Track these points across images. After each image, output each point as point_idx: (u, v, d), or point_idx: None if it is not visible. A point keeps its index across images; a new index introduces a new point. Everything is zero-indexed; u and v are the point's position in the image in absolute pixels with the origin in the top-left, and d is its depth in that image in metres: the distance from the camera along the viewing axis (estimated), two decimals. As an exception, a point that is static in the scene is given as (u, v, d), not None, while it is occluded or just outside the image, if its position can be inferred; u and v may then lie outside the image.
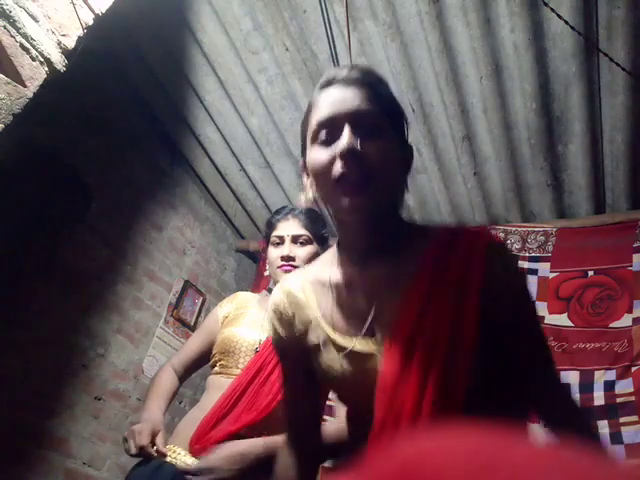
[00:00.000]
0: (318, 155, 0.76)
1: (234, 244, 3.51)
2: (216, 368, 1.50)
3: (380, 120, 0.77)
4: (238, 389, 1.37)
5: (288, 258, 1.51)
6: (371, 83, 0.81)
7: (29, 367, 2.15)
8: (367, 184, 0.72)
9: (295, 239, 1.55)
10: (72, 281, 2.36)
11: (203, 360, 1.62)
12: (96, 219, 2.49)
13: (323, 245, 1.59)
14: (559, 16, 1.85)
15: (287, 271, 1.50)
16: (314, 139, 0.78)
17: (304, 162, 0.83)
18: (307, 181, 0.84)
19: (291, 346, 0.86)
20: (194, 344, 1.63)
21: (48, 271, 2.26)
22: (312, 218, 1.59)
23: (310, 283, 0.86)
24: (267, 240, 1.60)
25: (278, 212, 1.64)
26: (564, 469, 0.23)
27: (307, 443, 0.92)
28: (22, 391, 2.12)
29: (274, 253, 1.55)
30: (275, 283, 1.54)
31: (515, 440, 0.24)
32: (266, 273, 1.62)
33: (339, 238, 0.84)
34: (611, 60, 1.89)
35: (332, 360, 0.78)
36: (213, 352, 1.54)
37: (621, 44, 1.96)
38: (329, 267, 0.84)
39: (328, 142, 0.76)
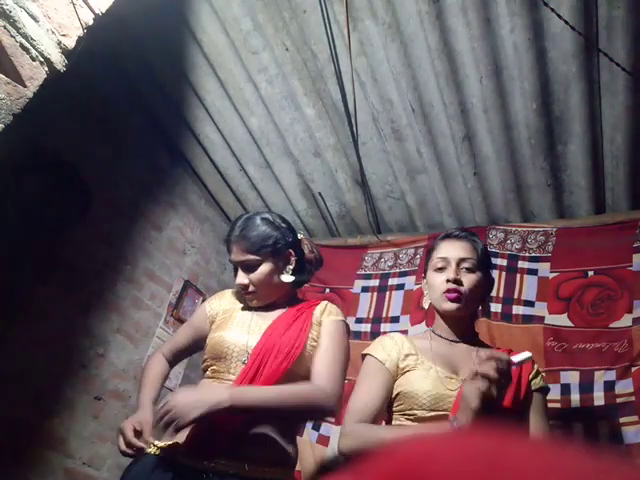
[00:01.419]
0: (435, 277, 1.37)
1: (234, 244, 3.50)
2: (208, 373, 1.48)
3: (473, 263, 1.36)
4: None
5: (244, 287, 1.49)
6: (472, 240, 1.41)
7: (29, 367, 2.15)
8: (461, 298, 1.31)
9: (244, 266, 1.49)
10: (72, 281, 2.36)
11: (190, 351, 1.66)
12: (96, 219, 2.49)
13: (284, 252, 1.51)
14: (559, 16, 1.85)
15: (250, 299, 1.52)
16: (433, 267, 1.39)
17: (425, 277, 1.45)
18: (426, 288, 1.43)
19: (387, 368, 1.32)
20: (183, 335, 1.66)
21: (48, 271, 2.26)
22: (258, 234, 1.49)
23: (416, 342, 1.40)
24: None
25: (229, 231, 1.56)
26: (566, 470, 0.23)
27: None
28: (22, 391, 2.12)
29: (235, 277, 1.54)
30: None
31: (517, 441, 0.24)
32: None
33: (436, 326, 1.42)
34: (611, 60, 1.89)
35: (425, 379, 1.25)
36: (204, 357, 1.53)
37: (621, 44, 1.96)
38: (428, 340, 1.38)
39: (441, 270, 1.36)
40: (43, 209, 2.23)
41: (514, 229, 2.71)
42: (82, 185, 2.42)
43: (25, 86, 1.16)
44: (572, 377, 2.22)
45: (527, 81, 2.18)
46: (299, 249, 1.59)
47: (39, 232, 2.21)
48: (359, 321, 2.79)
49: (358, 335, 2.70)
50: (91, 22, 1.32)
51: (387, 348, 1.35)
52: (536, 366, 1.37)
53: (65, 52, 1.26)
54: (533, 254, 2.61)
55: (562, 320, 2.37)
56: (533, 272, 2.55)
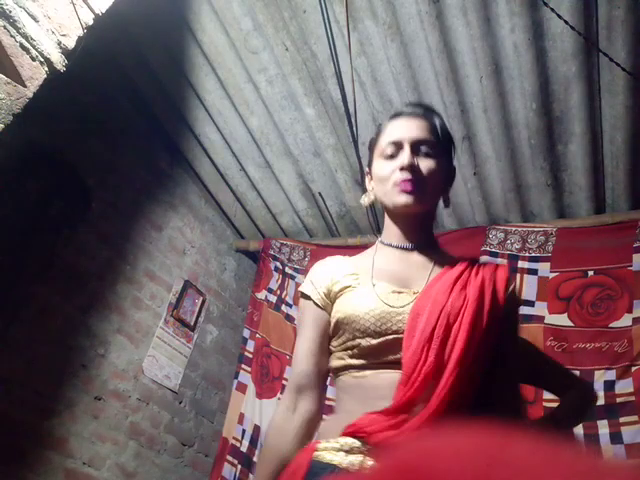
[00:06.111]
0: (384, 166, 1.05)
1: (234, 244, 3.51)
2: None
3: (432, 146, 1.05)
4: None
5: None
6: (429, 117, 1.09)
7: (29, 367, 2.15)
8: (417, 188, 1.01)
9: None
10: (72, 281, 2.36)
11: None
12: (96, 219, 2.49)
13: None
14: (559, 16, 1.85)
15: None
16: (381, 155, 1.07)
17: (369, 171, 1.13)
18: (370, 184, 1.12)
19: (315, 304, 1.06)
20: None
21: (48, 271, 2.26)
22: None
23: (357, 261, 1.11)
24: None
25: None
26: (566, 469, 0.23)
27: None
28: (22, 391, 2.12)
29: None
30: None
31: (517, 440, 0.24)
32: None
33: (385, 232, 1.11)
34: (611, 60, 1.89)
35: (366, 298, 0.99)
36: None
37: (621, 44, 1.96)
38: (372, 254, 1.09)
39: (392, 157, 1.05)
40: (43, 209, 2.23)
41: (514, 229, 2.72)
42: (82, 185, 2.42)
43: (25, 86, 1.16)
44: (572, 377, 2.22)
45: (527, 81, 2.18)
46: None
47: (39, 232, 2.21)
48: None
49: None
50: (91, 22, 1.33)
51: (313, 275, 1.10)
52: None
53: (65, 52, 1.26)
54: (533, 254, 2.61)
55: (562, 320, 2.38)
56: (533, 272, 2.55)
